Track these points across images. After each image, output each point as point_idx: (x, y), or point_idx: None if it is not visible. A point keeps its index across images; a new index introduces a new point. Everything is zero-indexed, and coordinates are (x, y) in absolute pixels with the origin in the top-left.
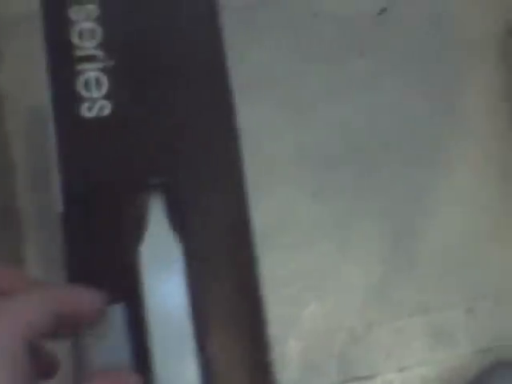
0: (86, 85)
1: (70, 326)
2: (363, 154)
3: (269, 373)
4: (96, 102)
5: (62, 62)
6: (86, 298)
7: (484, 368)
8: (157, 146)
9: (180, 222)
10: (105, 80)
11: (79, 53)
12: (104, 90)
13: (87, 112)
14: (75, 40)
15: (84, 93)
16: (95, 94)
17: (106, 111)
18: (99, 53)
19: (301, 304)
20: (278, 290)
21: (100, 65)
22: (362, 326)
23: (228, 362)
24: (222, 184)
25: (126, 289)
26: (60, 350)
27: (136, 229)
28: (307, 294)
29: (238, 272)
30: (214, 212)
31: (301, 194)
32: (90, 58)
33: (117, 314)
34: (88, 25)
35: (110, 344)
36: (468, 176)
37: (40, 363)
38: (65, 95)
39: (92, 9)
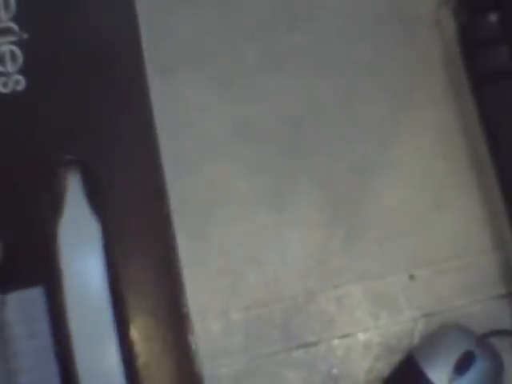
0: (1, 59)
1: None
2: (300, 126)
3: (192, 357)
4: (11, 77)
5: None
6: None
7: (434, 330)
8: (73, 123)
9: (98, 200)
10: (20, 54)
11: None
12: (19, 64)
13: (2, 87)
14: None
15: None
16: (10, 68)
17: (21, 86)
18: (13, 26)
19: (241, 275)
20: (218, 262)
21: (14, 38)
22: (303, 295)
23: (149, 345)
24: (138, 160)
25: (45, 270)
26: None
27: (54, 208)
28: (247, 265)
29: (157, 249)
30: (132, 189)
31: (238, 167)
32: (3, 31)
33: (35, 297)
34: None
35: (30, 328)
36: (407, 146)
37: None
38: None
39: None
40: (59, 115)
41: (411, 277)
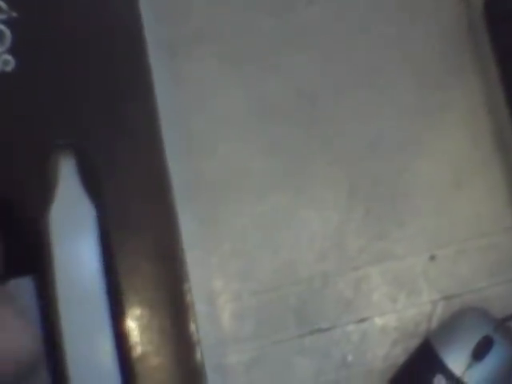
0: None
1: None
2: (317, 103)
3: (192, 344)
4: None
5: None
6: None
7: (452, 314)
8: (65, 104)
9: (93, 183)
10: (8, 33)
11: None
12: (7, 43)
13: None
14: None
15: None
16: None
17: (10, 66)
18: (2, 4)
19: (255, 258)
20: (231, 244)
21: (3, 16)
22: (318, 278)
23: (147, 337)
24: (137, 143)
25: (35, 258)
26: None
27: (45, 193)
28: (261, 247)
29: (156, 235)
30: (130, 173)
31: (252, 146)
32: None
33: (25, 287)
34: None
35: None
36: (428, 123)
37: None
38: None
39: None
40: (50, 96)
41: (432, 257)
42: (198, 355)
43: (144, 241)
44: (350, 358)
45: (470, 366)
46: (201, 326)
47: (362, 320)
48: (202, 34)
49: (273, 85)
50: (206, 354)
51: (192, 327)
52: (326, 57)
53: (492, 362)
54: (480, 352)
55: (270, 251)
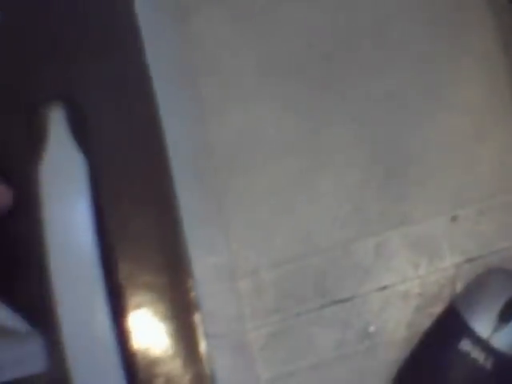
0: None
1: None
2: (330, 60)
3: (189, 300)
4: None
5: None
6: None
7: (477, 277)
8: (54, 55)
9: (84, 137)
10: None
11: None
12: None
13: None
14: None
15: None
16: None
17: None
18: None
19: (271, 227)
20: (248, 214)
21: None
22: (337, 245)
23: (142, 298)
24: (129, 94)
25: (24, 214)
26: None
27: (35, 145)
28: (278, 215)
29: (151, 192)
30: (123, 126)
31: (266, 108)
32: None
33: None
34: None
35: None
36: (445, 74)
37: None
38: None
39: None
40: (38, 48)
41: (453, 218)
42: (197, 316)
43: (135, 190)
44: (372, 327)
45: (496, 329)
46: (221, 301)
47: (384, 288)
48: None
49: (284, 42)
50: (227, 328)
51: (190, 282)
52: (337, 9)
53: None
54: (507, 314)
55: (287, 219)
